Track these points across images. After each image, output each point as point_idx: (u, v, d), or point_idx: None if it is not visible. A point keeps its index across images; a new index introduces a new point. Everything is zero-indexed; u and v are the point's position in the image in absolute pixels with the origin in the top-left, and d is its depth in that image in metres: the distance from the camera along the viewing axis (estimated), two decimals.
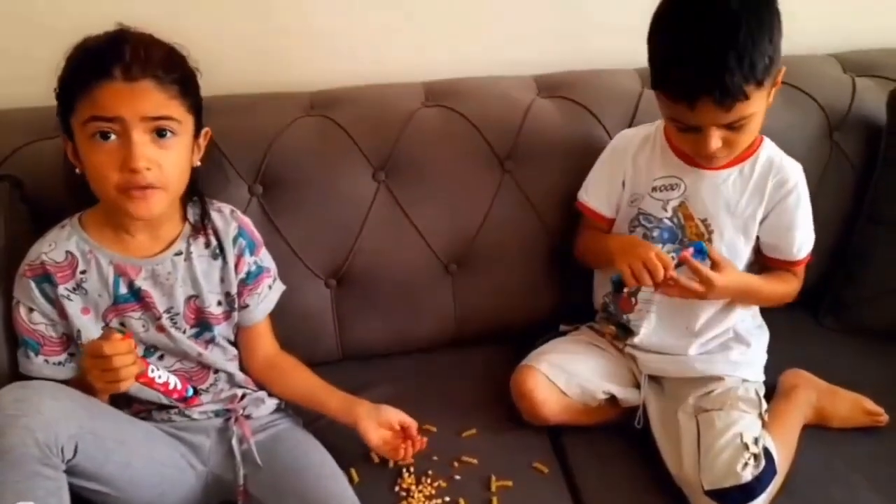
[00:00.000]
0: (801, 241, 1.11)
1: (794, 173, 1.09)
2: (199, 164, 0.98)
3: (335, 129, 1.19)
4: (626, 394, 1.12)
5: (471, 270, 1.25)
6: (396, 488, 1.02)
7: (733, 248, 1.10)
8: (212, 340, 1.03)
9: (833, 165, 1.29)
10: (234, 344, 1.08)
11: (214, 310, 1.02)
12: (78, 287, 0.95)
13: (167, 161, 0.90)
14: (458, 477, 1.03)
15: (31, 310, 0.94)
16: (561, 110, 1.24)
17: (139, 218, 0.93)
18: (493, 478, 1.03)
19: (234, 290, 1.03)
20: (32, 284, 0.94)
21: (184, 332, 1.00)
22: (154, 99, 0.88)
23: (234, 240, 1.03)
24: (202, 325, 1.02)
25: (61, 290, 0.94)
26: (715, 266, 1.04)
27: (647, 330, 1.13)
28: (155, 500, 0.94)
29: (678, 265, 1.03)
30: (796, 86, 1.27)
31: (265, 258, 1.08)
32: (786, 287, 1.13)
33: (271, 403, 1.07)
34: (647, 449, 1.08)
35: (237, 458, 0.98)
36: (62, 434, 0.81)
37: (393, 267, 1.23)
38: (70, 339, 0.96)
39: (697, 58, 0.93)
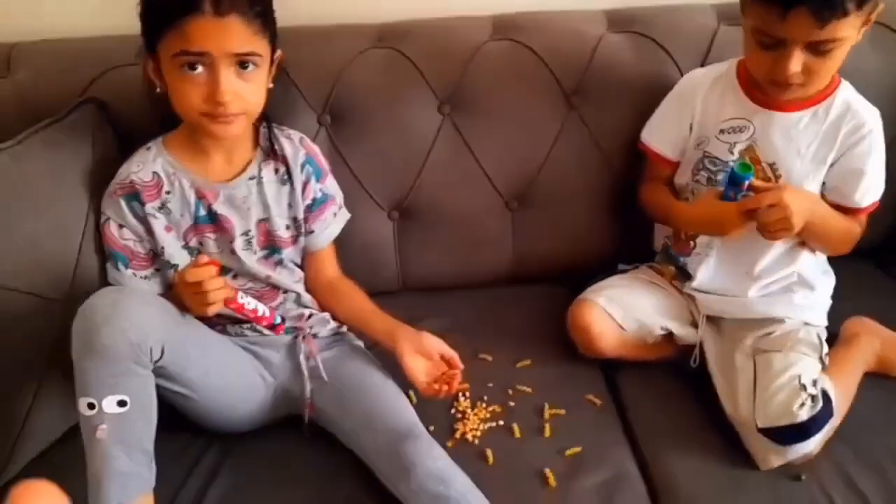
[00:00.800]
0: (867, 187, 1.06)
1: (871, 118, 1.05)
2: (271, 85, 1.01)
3: (402, 62, 1.20)
4: (683, 331, 1.13)
5: (532, 208, 1.26)
6: (453, 410, 1.06)
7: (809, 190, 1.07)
8: (280, 262, 1.08)
9: None
10: (301, 266, 1.12)
11: (283, 233, 1.06)
12: (163, 206, 1.01)
13: (249, 91, 0.94)
14: (512, 403, 1.07)
15: (120, 226, 1.01)
16: (632, 46, 1.21)
17: (222, 138, 0.98)
18: (547, 406, 1.06)
19: (300, 216, 1.07)
20: (122, 202, 0.99)
21: (255, 253, 1.05)
22: (241, 35, 0.90)
23: (302, 166, 1.06)
24: (271, 247, 1.06)
25: (148, 208, 1.00)
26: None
27: (706, 274, 1.12)
28: (229, 406, 1.01)
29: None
30: (882, 23, 1.20)
31: (331, 186, 1.11)
32: (849, 228, 1.08)
33: (335, 324, 1.12)
34: (701, 388, 1.08)
35: (304, 374, 1.04)
36: (152, 336, 0.87)
37: (455, 201, 1.24)
38: (155, 256, 1.02)
39: None
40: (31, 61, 1.17)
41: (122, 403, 0.85)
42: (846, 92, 1.05)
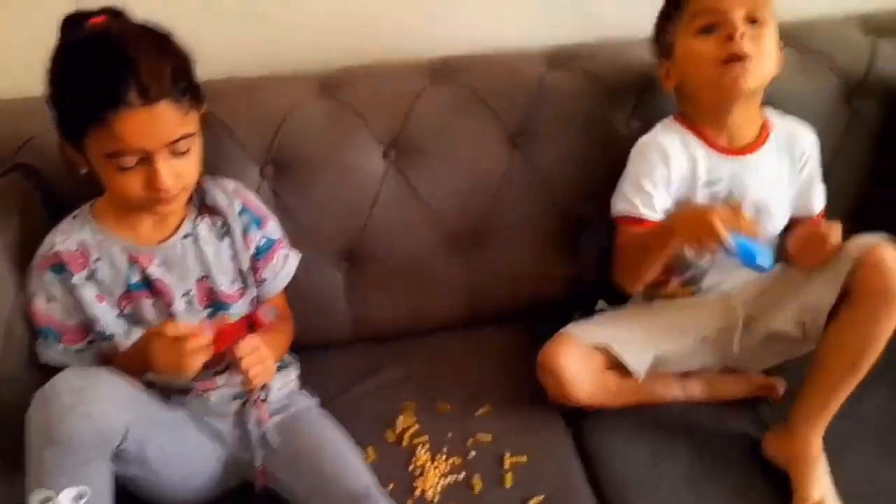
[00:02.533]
0: (819, 194, 1.15)
1: (809, 135, 1.14)
2: None
3: (344, 109, 1.18)
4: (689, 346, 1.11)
5: (483, 249, 1.25)
6: (411, 466, 1.03)
7: (777, 220, 1.12)
8: (212, 317, 1.02)
9: (851, 130, 1.25)
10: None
11: (227, 289, 1.02)
12: (92, 275, 0.96)
13: (187, 167, 0.91)
14: (472, 454, 1.04)
15: (48, 300, 0.96)
16: (572, 83, 1.21)
17: (166, 215, 0.96)
18: (508, 454, 1.03)
19: (245, 267, 1.03)
20: (48, 274, 0.95)
21: (198, 312, 1.01)
22: (173, 120, 0.86)
23: (239, 215, 1.03)
24: (215, 304, 1.02)
25: (76, 279, 0.95)
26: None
27: (716, 277, 1.13)
28: (183, 481, 0.96)
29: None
30: (813, 48, 1.24)
31: (274, 230, 1.08)
32: None
33: (286, 387, 1.08)
34: (667, 432, 1.07)
35: (253, 442, 0.99)
36: (118, 422, 0.82)
37: (404, 246, 1.22)
38: (87, 328, 0.98)
39: None
40: None
41: (80, 496, 0.80)
42: (777, 118, 1.12)
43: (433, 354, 1.22)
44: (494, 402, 1.12)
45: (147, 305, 0.99)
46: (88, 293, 0.96)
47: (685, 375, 1.13)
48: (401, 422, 1.09)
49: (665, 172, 1.09)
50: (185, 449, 0.97)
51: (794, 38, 1.20)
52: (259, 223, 1.05)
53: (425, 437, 1.06)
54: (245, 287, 1.05)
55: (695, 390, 1.12)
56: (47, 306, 0.96)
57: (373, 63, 1.25)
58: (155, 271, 0.98)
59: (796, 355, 1.09)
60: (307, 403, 1.09)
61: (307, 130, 1.17)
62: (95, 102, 0.83)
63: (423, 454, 1.04)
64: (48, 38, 0.97)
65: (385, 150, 1.19)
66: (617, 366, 1.09)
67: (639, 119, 1.22)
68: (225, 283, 1.02)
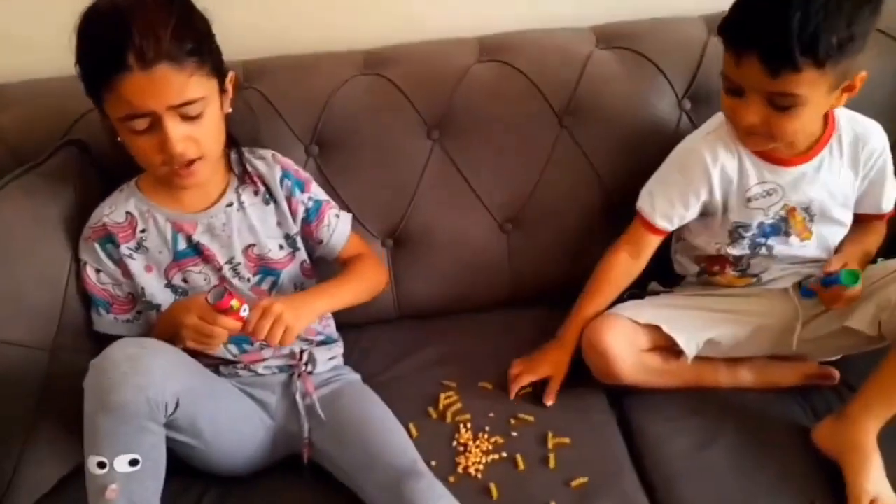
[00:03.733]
0: (890, 196, 1.10)
1: (880, 137, 1.07)
2: (230, 110, 0.98)
3: (389, 88, 1.18)
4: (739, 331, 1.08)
5: (526, 230, 1.24)
6: (454, 443, 1.03)
7: (838, 222, 1.08)
8: (275, 285, 1.05)
9: None
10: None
11: (276, 254, 1.04)
12: (139, 246, 0.99)
13: (202, 132, 0.92)
14: (514, 434, 1.04)
15: (98, 271, 1.00)
16: (621, 62, 1.19)
17: (190, 187, 0.97)
18: (550, 435, 1.03)
19: (294, 231, 1.04)
20: (97, 246, 0.98)
21: (247, 280, 1.03)
22: (175, 84, 0.87)
23: (281, 182, 1.04)
24: (264, 270, 1.04)
25: (123, 249, 0.98)
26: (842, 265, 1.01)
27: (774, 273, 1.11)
28: (232, 451, 0.99)
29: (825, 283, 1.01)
30: (880, 29, 1.18)
31: (317, 191, 1.09)
32: (878, 239, 1.12)
33: (330, 361, 1.09)
34: (708, 411, 1.06)
35: (301, 413, 1.01)
36: (168, 392, 0.85)
37: (448, 226, 1.22)
38: (135, 298, 1.01)
39: (761, 6, 0.87)
40: (11, 103, 1.15)
41: (133, 462, 0.83)
42: (845, 118, 1.05)
43: (476, 334, 1.22)
44: (536, 383, 1.11)
45: (195, 272, 1.01)
46: (137, 263, 0.99)
47: (735, 361, 1.11)
48: (443, 399, 1.10)
49: (700, 188, 1.05)
50: (235, 419, 0.99)
51: None
52: (301, 187, 1.06)
53: (468, 416, 1.07)
54: (294, 251, 1.05)
55: (744, 377, 1.10)
56: (97, 277, 1.00)
57: (418, 41, 1.25)
58: (201, 237, 1.00)
59: (862, 351, 1.06)
60: (351, 378, 1.10)
61: (353, 110, 1.17)
62: (102, 68, 0.86)
63: (465, 432, 1.04)
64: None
65: (430, 130, 1.19)
66: (665, 347, 1.08)
67: (690, 100, 1.19)
68: (273, 249, 1.03)
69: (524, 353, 1.17)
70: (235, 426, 0.98)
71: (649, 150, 1.15)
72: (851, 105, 1.08)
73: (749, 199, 1.06)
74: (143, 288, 1.00)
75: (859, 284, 0.99)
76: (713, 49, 1.17)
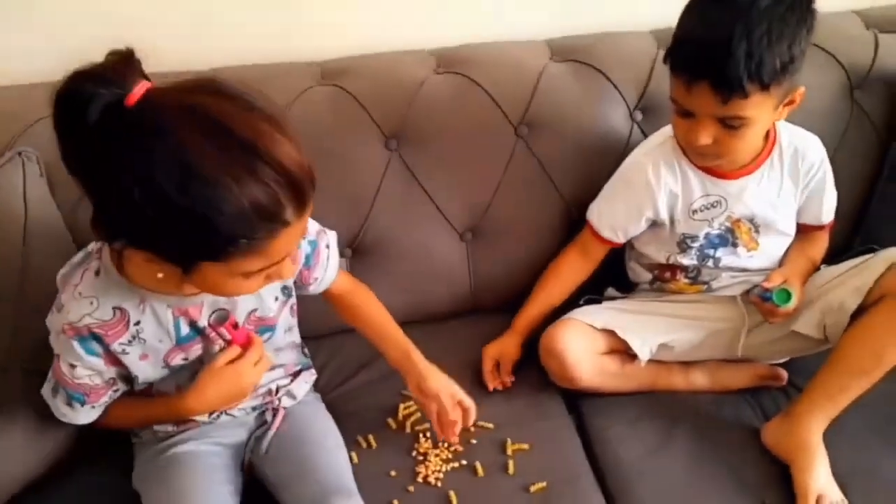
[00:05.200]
0: (829, 207, 1.14)
1: (818, 150, 1.11)
2: None
3: (346, 99, 1.18)
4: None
5: (486, 239, 1.25)
6: (413, 452, 1.03)
7: (782, 233, 1.12)
8: (270, 337, 0.98)
9: (854, 125, 1.26)
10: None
11: (271, 309, 0.95)
12: (134, 338, 0.86)
13: None
14: (474, 441, 1.05)
15: (72, 366, 0.85)
16: (575, 75, 1.22)
17: None
18: (510, 441, 1.04)
19: (291, 282, 0.97)
20: (75, 343, 0.83)
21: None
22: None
23: None
24: (262, 329, 0.96)
25: (115, 346, 0.85)
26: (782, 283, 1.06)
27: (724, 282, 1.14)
28: None
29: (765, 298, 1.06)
30: (816, 44, 1.23)
31: (310, 229, 0.98)
32: (821, 250, 1.17)
33: (305, 385, 1.07)
34: (667, 415, 1.08)
35: (263, 446, 0.98)
36: None
37: (408, 237, 1.23)
38: (118, 380, 0.91)
39: (708, 38, 0.91)
40: None
41: None
42: (785, 132, 1.09)
43: (436, 343, 1.19)
44: (496, 390, 1.13)
45: (195, 352, 0.92)
46: (131, 356, 0.87)
47: (689, 364, 1.14)
48: (402, 410, 1.10)
49: (644, 202, 1.09)
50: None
51: None
52: None
53: (427, 425, 1.07)
54: (287, 298, 0.98)
55: (697, 379, 1.13)
56: (72, 371, 0.86)
57: (374, 53, 1.25)
58: (204, 320, 0.89)
59: (809, 354, 1.10)
60: (308, 398, 1.08)
61: (309, 121, 1.16)
62: (259, 232, 0.71)
63: (424, 441, 1.05)
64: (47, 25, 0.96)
65: (387, 141, 1.19)
66: (621, 351, 1.10)
67: (641, 111, 1.22)
68: (272, 307, 0.95)
69: (482, 362, 1.17)
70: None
71: (603, 160, 1.18)
72: (793, 118, 1.13)
73: (694, 212, 1.09)
74: (136, 375, 0.89)
75: (792, 304, 1.03)
76: (662, 63, 1.20)
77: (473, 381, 1.14)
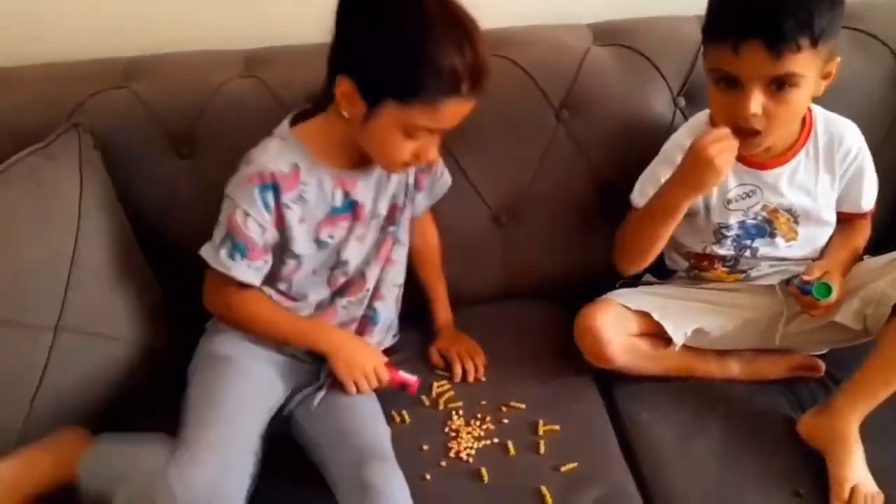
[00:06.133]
0: (870, 194, 1.12)
1: (855, 137, 1.09)
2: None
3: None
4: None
5: (522, 223, 1.26)
6: (446, 429, 1.05)
7: (821, 222, 1.10)
8: (394, 234, 1.09)
9: None
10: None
11: (400, 198, 1.08)
12: (300, 197, 0.99)
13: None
14: (505, 421, 1.06)
15: (247, 214, 0.96)
16: (617, 59, 1.21)
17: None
18: (541, 422, 1.05)
19: (411, 180, 1.09)
20: (256, 192, 0.96)
21: (382, 229, 1.07)
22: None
23: None
24: (393, 222, 1.08)
25: (285, 199, 0.97)
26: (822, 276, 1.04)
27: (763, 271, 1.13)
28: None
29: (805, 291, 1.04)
30: (866, 31, 1.22)
31: None
32: (863, 239, 1.14)
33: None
34: (698, 399, 1.08)
35: (315, 401, 1.03)
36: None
37: (444, 218, 1.23)
38: (274, 247, 1.01)
39: None
40: (13, 87, 1.16)
41: None
42: (822, 120, 1.08)
43: (469, 326, 1.23)
44: (529, 373, 1.13)
45: (341, 228, 1.03)
46: (294, 214, 0.99)
47: (724, 353, 1.13)
48: (436, 388, 1.12)
49: None
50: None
51: (848, 18, 1.17)
52: None
53: (460, 403, 1.08)
54: (408, 200, 1.09)
55: (732, 368, 1.13)
56: (244, 220, 0.97)
57: None
58: (358, 195, 1.02)
59: (848, 345, 1.09)
60: None
61: None
62: (437, 88, 0.89)
63: (457, 419, 1.06)
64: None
65: None
66: (655, 334, 1.10)
67: (684, 97, 1.21)
68: (401, 197, 1.08)
69: (518, 345, 1.19)
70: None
71: (644, 145, 1.17)
72: (842, 105, 1.11)
73: (729, 201, 1.08)
74: (293, 238, 1.00)
75: (832, 297, 1.01)
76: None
77: (499, 364, 1.15)
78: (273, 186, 0.96)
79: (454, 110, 0.91)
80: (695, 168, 0.97)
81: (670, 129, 1.19)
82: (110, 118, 1.13)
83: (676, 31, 1.24)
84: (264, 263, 1.01)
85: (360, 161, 1.02)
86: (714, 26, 0.95)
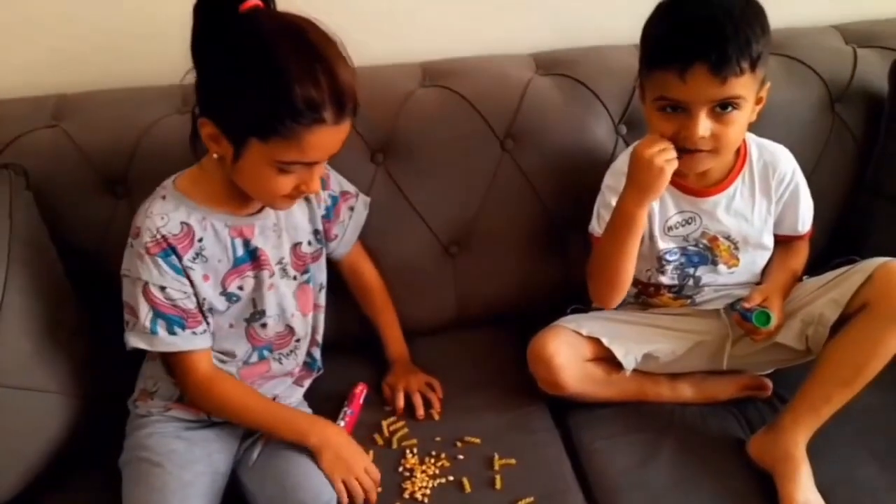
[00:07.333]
0: (806, 216, 1.14)
1: (788, 162, 1.12)
2: None
3: None
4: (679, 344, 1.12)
5: (472, 252, 1.25)
6: (400, 468, 1.03)
7: (760, 247, 1.13)
8: (307, 281, 1.06)
9: (834, 138, 1.27)
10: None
11: (306, 249, 1.06)
12: (198, 255, 0.95)
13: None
14: (461, 457, 1.04)
15: (162, 288, 0.93)
16: (559, 88, 1.23)
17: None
18: (497, 456, 1.03)
19: (320, 227, 1.07)
20: (160, 261, 0.92)
21: (293, 279, 1.04)
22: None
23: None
24: (305, 269, 1.06)
25: (185, 260, 0.94)
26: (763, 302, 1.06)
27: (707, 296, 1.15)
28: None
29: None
30: (797, 58, 1.27)
31: (335, 184, 1.10)
32: (802, 259, 1.17)
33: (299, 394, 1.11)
34: (653, 426, 1.09)
35: (253, 456, 1.00)
36: None
37: (393, 250, 1.22)
38: (201, 309, 0.97)
39: (696, 24, 0.93)
40: None
41: None
42: (755, 147, 1.11)
43: (421, 357, 1.21)
44: (483, 405, 1.12)
45: (248, 278, 1.00)
46: (196, 273, 0.95)
47: (675, 376, 1.14)
48: (388, 426, 1.09)
49: None
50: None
51: (778, 46, 1.22)
52: (323, 183, 1.05)
53: (414, 441, 1.06)
54: (320, 248, 1.07)
55: (684, 391, 1.14)
56: (163, 294, 0.93)
57: (360, 66, 1.25)
58: (258, 241, 0.99)
59: (793, 364, 1.11)
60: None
61: None
62: (296, 119, 0.84)
63: (411, 457, 1.04)
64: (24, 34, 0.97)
65: (373, 154, 1.20)
66: (607, 359, 1.10)
67: (625, 124, 1.23)
68: (308, 248, 1.06)
69: (471, 375, 1.18)
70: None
71: (588, 172, 1.18)
72: (776, 130, 1.15)
73: (669, 228, 1.10)
74: (204, 298, 0.96)
75: (772, 324, 1.03)
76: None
77: (453, 396, 1.14)
78: (172, 250, 0.93)
79: (323, 139, 0.86)
80: (638, 172, 0.99)
81: (613, 155, 1.21)
82: (42, 158, 1.09)
83: (616, 59, 1.26)
84: (207, 326, 0.98)
85: (253, 204, 0.99)
86: (657, 55, 0.97)
